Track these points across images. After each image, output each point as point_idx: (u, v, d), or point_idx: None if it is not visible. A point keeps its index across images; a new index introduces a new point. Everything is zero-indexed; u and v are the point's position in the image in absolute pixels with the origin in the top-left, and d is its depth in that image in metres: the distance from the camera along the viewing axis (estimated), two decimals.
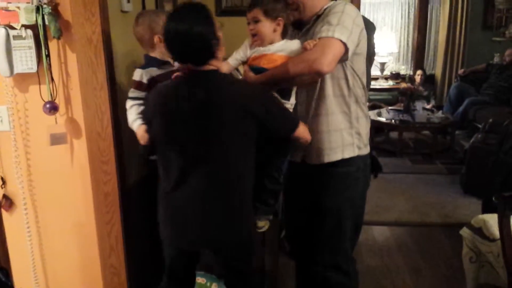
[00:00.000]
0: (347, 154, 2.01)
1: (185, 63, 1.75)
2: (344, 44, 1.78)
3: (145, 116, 1.94)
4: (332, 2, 1.97)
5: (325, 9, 1.93)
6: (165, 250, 1.97)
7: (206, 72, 1.73)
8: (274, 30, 1.90)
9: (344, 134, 2.00)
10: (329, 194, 2.05)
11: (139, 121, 2.01)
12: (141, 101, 2.08)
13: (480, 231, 2.35)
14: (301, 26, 2.04)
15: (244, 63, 2.01)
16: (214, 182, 1.75)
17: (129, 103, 2.11)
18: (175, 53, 1.74)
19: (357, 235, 2.26)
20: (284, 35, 1.96)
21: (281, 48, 1.90)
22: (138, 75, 2.13)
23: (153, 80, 2.11)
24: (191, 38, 1.65)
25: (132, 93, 2.13)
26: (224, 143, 1.73)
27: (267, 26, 1.88)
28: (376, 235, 3.67)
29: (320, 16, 1.93)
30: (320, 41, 1.77)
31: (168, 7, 3.01)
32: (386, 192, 4.49)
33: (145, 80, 2.12)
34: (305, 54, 1.78)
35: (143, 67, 2.17)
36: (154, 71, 2.16)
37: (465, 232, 2.48)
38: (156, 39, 2.17)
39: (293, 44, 1.92)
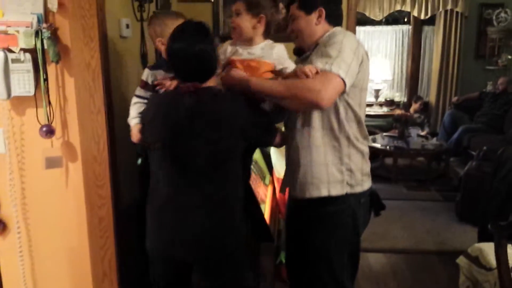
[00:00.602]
0: (335, 192, 1.90)
1: (187, 81, 1.76)
2: (343, 80, 1.73)
3: (143, 119, 1.97)
4: (332, 30, 1.93)
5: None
6: (152, 269, 1.97)
7: (207, 88, 1.76)
8: (254, 27, 1.89)
9: (331, 169, 1.89)
10: (318, 234, 1.96)
11: (137, 120, 2.03)
12: (145, 101, 2.07)
13: (477, 260, 2.34)
14: (301, 53, 2.04)
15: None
16: (206, 194, 1.77)
17: (134, 100, 2.12)
18: (180, 72, 1.77)
19: (355, 267, 2.15)
20: (266, 35, 1.96)
21: (261, 54, 1.89)
22: (145, 75, 2.13)
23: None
24: (197, 58, 1.70)
25: (139, 91, 2.13)
26: (218, 157, 1.75)
27: (247, 21, 1.87)
28: (372, 262, 3.65)
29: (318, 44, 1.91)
30: (321, 73, 1.72)
31: None
32: (381, 218, 4.42)
33: (150, 81, 2.11)
34: (307, 82, 1.71)
35: (151, 67, 2.15)
36: (160, 74, 2.12)
37: (461, 261, 2.47)
38: (157, 42, 2.15)
39: (276, 50, 1.91)
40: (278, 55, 1.92)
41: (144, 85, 2.12)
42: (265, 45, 1.93)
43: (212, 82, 1.79)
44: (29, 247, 2.18)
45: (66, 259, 2.20)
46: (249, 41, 1.92)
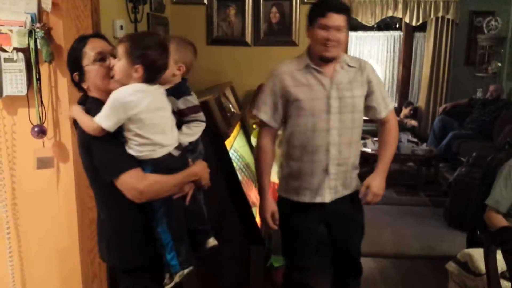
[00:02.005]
0: None
1: None
2: None
3: None
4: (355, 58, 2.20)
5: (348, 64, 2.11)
6: None
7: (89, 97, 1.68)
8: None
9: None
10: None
11: None
12: None
13: (466, 266, 2.36)
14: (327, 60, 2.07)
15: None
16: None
17: None
18: None
19: None
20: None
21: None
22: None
23: None
24: None
25: None
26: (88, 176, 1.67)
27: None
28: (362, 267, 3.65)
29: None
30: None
31: (160, 33, 3.03)
32: (370, 222, 4.44)
33: None
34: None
35: None
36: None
37: (451, 266, 2.48)
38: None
39: None
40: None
41: None
42: (128, 86, 1.63)
43: (92, 93, 1.67)
44: (19, 248, 2.17)
45: (56, 260, 2.19)
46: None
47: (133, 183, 1.53)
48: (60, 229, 2.16)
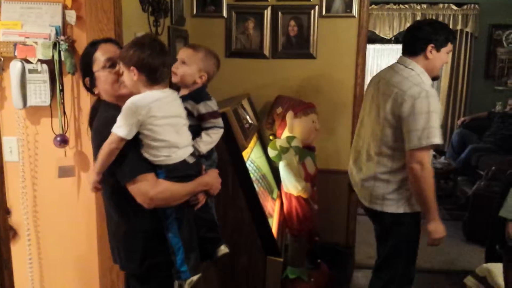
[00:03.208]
0: None
1: None
2: None
3: None
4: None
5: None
6: None
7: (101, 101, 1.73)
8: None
9: None
10: None
11: None
12: None
13: (484, 281, 2.33)
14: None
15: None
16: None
17: None
18: None
19: None
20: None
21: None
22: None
23: None
24: None
25: None
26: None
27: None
28: None
29: None
30: None
31: (180, 46, 3.09)
32: None
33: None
34: None
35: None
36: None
37: (469, 280, 2.45)
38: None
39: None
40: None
41: None
42: (141, 94, 1.65)
43: (105, 98, 1.71)
44: (39, 255, 2.21)
45: (75, 268, 2.22)
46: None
47: (145, 188, 1.55)
48: (80, 237, 2.19)
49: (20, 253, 2.19)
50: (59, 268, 2.22)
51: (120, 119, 1.53)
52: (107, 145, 1.53)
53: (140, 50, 1.57)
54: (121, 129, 1.52)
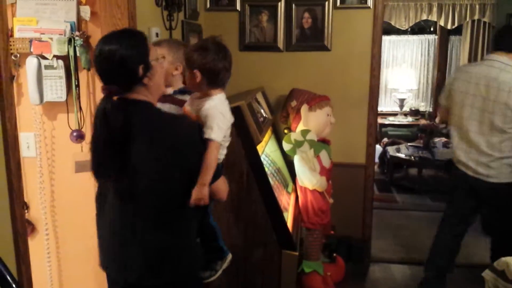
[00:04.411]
0: None
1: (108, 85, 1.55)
2: None
3: None
4: None
5: None
6: None
7: (132, 101, 1.55)
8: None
9: None
10: None
11: None
12: None
13: (503, 274, 2.30)
14: None
15: None
16: (131, 216, 1.58)
17: None
18: (99, 75, 1.57)
19: None
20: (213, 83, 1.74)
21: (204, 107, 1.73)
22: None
23: None
24: (113, 60, 1.50)
25: None
26: (145, 176, 1.54)
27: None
28: (396, 274, 3.60)
29: None
30: None
31: (194, 40, 3.09)
32: (405, 229, 4.42)
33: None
34: None
35: None
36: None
37: (487, 274, 2.42)
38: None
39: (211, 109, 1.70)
40: (206, 111, 1.69)
41: None
42: (208, 99, 1.72)
43: (142, 95, 1.57)
44: (57, 249, 2.24)
45: (92, 261, 2.23)
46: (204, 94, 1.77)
47: (225, 183, 1.73)
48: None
49: (38, 248, 2.22)
50: (77, 262, 2.25)
51: (212, 126, 1.62)
52: (213, 155, 1.60)
53: (204, 54, 1.67)
54: (218, 135, 1.62)
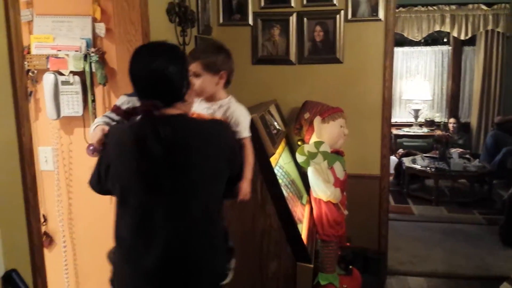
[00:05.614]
0: None
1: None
2: None
3: (104, 161, 1.66)
4: None
5: None
6: None
7: (173, 115, 1.56)
8: (217, 84, 1.84)
9: None
10: None
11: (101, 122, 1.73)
12: (113, 122, 1.76)
13: None
14: None
15: None
16: (188, 222, 1.58)
17: (100, 119, 1.76)
18: (141, 92, 1.57)
19: None
20: (227, 85, 1.88)
21: (218, 111, 1.83)
22: (120, 101, 1.79)
23: (133, 110, 1.75)
24: (163, 77, 1.51)
25: (108, 113, 1.79)
26: (196, 183, 1.57)
27: (208, 80, 1.80)
28: (412, 286, 3.56)
29: None
30: None
31: None
32: (422, 241, 4.38)
33: (124, 107, 1.78)
34: None
35: (129, 94, 1.80)
36: (138, 102, 1.71)
37: (505, 287, 2.39)
38: None
39: (232, 109, 1.82)
40: (231, 113, 1.81)
41: (115, 109, 1.78)
42: (226, 102, 1.84)
43: (180, 110, 1.58)
44: (74, 261, 2.26)
45: (109, 274, 2.26)
46: (211, 97, 1.87)
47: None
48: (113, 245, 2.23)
49: (56, 259, 2.25)
50: (94, 275, 2.27)
51: (245, 125, 1.77)
52: (252, 150, 1.74)
53: (228, 57, 1.81)
54: (249, 132, 1.77)
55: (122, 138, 1.58)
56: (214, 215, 1.64)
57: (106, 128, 1.66)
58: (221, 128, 1.66)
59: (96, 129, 1.69)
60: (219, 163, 1.60)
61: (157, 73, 1.49)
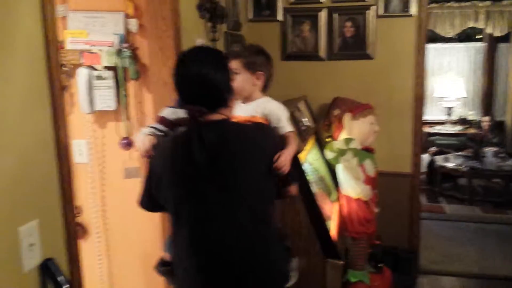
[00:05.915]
0: None
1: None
2: None
3: (153, 176, 1.63)
4: None
5: None
6: None
7: (217, 121, 1.55)
8: (253, 84, 1.86)
9: None
10: None
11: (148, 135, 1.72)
12: (160, 133, 1.76)
13: None
14: None
15: None
16: (237, 227, 1.56)
17: (144, 131, 1.76)
18: (185, 97, 1.56)
19: None
20: (265, 90, 1.92)
21: (255, 110, 1.85)
22: (165, 112, 1.81)
23: (179, 121, 1.76)
24: (209, 83, 1.51)
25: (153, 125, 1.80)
26: (243, 188, 1.56)
27: (245, 79, 1.83)
28: (445, 286, 3.50)
29: None
30: None
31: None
32: (455, 241, 4.29)
33: (169, 118, 1.80)
34: None
35: (172, 106, 1.84)
36: (182, 114, 1.71)
37: None
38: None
39: (269, 106, 1.85)
40: (270, 111, 1.85)
41: (161, 120, 1.79)
42: (262, 101, 1.87)
43: (223, 116, 1.57)
44: (107, 251, 2.31)
45: (141, 265, 2.30)
46: (247, 97, 1.89)
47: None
48: (145, 237, 2.27)
49: (91, 250, 2.30)
50: (127, 265, 2.31)
51: (284, 121, 1.83)
52: (296, 141, 1.81)
53: (268, 59, 1.87)
54: (291, 126, 1.83)
55: (170, 149, 1.60)
56: (264, 218, 1.61)
57: (154, 139, 1.68)
58: (263, 132, 1.66)
59: (145, 138, 1.69)
60: (264, 167, 1.57)
61: (203, 78, 1.50)
